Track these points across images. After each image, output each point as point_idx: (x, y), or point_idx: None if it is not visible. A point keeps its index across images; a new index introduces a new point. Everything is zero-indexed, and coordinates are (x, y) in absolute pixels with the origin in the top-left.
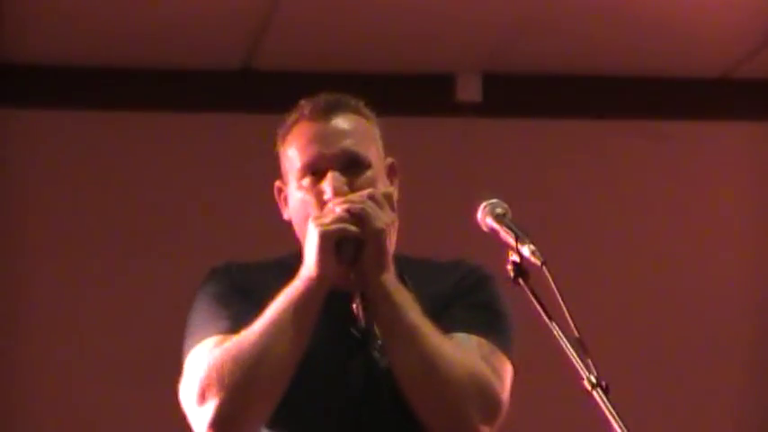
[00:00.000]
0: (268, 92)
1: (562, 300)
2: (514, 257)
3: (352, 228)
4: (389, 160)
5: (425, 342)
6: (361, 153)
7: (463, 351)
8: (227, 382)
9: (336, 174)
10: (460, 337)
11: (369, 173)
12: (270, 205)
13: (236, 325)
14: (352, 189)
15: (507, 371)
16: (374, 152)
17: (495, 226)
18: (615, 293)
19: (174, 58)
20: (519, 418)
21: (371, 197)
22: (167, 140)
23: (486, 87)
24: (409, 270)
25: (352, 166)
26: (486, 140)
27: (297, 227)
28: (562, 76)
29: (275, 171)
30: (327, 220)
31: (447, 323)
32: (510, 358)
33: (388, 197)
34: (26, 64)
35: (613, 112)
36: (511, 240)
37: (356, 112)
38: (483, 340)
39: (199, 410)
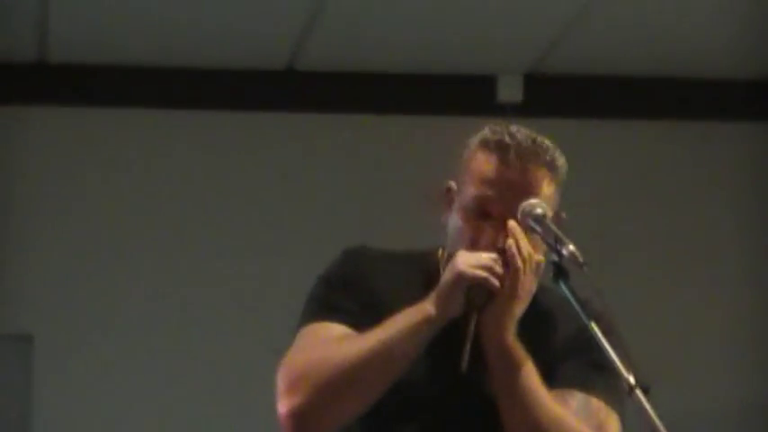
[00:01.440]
0: (311, 92)
1: (603, 300)
2: (554, 258)
3: (492, 279)
4: (563, 215)
5: (539, 410)
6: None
7: (576, 421)
8: (322, 385)
9: (497, 228)
10: (579, 398)
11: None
12: (310, 202)
13: (352, 320)
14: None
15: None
16: (551, 205)
17: (535, 226)
18: (653, 291)
19: (220, 57)
20: None
21: (524, 259)
22: (212, 139)
23: (526, 88)
24: (545, 301)
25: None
26: None
27: (448, 239)
28: (603, 77)
29: (317, 170)
30: (473, 260)
31: (567, 376)
32: (622, 415)
33: (539, 265)
34: (65, 63)
35: (653, 113)
36: (551, 241)
37: (549, 166)
38: (601, 404)
39: (286, 394)
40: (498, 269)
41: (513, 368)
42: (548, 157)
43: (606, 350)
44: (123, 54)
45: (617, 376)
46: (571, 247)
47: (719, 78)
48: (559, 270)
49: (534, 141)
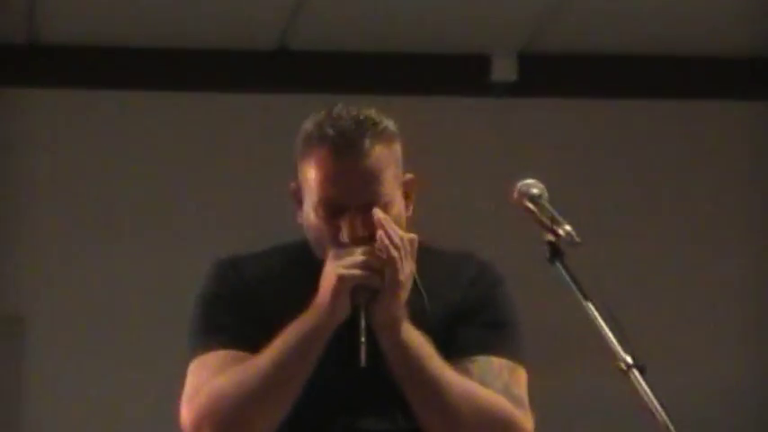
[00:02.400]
0: (303, 71)
1: (598, 280)
2: (550, 238)
3: (372, 277)
4: (408, 177)
5: (446, 392)
6: (380, 197)
7: (484, 392)
8: (227, 420)
9: (356, 219)
10: (480, 362)
11: (389, 213)
12: None
13: (240, 339)
14: (370, 231)
15: (525, 385)
16: (392, 183)
17: (531, 206)
18: (648, 271)
19: (210, 38)
20: (555, 400)
21: (397, 246)
22: (202, 120)
23: (521, 67)
24: (423, 264)
25: (370, 209)
26: (520, 120)
27: (309, 239)
28: (597, 56)
29: None
30: (349, 262)
31: (465, 343)
32: (524, 364)
33: (411, 243)
34: (56, 44)
35: (648, 92)
36: (547, 221)
37: (379, 138)
38: (503, 361)
39: None
40: (375, 263)
41: (412, 357)
42: (378, 130)
43: (604, 330)
44: (113, 36)
45: (512, 327)
46: (567, 226)
47: (717, 56)
48: (555, 250)
49: (358, 121)
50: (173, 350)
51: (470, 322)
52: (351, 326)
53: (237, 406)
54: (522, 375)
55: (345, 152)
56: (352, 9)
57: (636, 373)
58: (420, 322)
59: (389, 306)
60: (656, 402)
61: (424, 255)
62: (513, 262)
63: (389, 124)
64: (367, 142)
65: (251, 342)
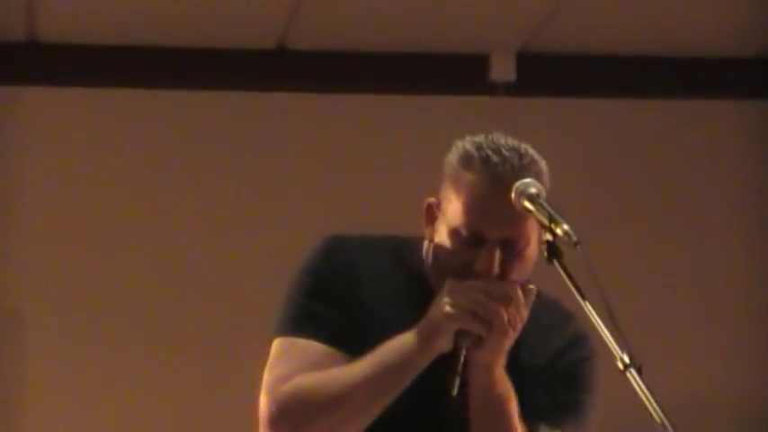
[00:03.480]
0: (301, 71)
1: (596, 279)
2: (548, 237)
3: (478, 325)
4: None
5: None
6: (523, 236)
7: None
8: (308, 421)
9: (494, 253)
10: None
11: (525, 253)
12: (300, 182)
13: (336, 335)
14: (504, 269)
15: None
16: (536, 224)
17: (529, 206)
18: (647, 271)
19: (209, 36)
20: None
21: (514, 298)
22: (202, 119)
23: (519, 67)
24: (532, 313)
25: (510, 248)
26: (519, 120)
27: (433, 258)
28: (596, 56)
29: (308, 150)
30: (461, 305)
31: (539, 407)
32: None
33: (529, 294)
34: (55, 43)
35: (647, 91)
36: (545, 220)
37: (537, 176)
38: None
39: (270, 426)
40: (485, 311)
41: (495, 408)
42: (535, 170)
43: (602, 330)
44: (113, 34)
45: (586, 408)
46: (565, 226)
47: (716, 56)
48: (553, 250)
49: (520, 155)
50: (171, 345)
51: (550, 389)
52: (444, 358)
53: (321, 412)
54: None
55: (506, 183)
56: (350, 9)
57: (633, 372)
58: (510, 371)
59: (490, 353)
60: (653, 402)
61: (534, 303)
62: None
63: (544, 164)
64: (529, 175)
65: (345, 341)
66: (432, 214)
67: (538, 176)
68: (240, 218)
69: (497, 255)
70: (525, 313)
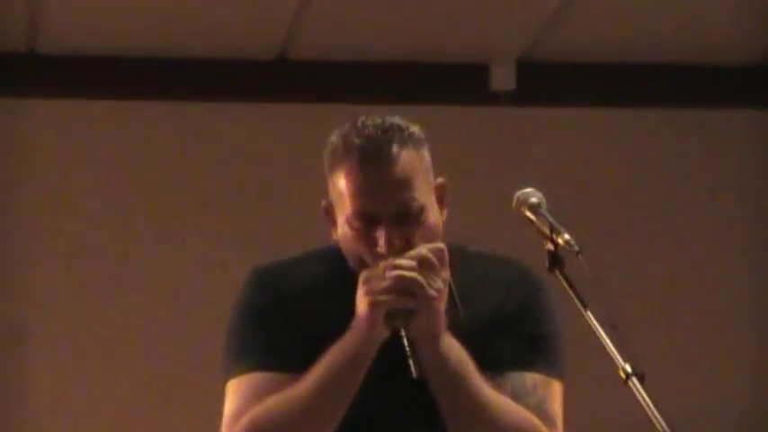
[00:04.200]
0: (302, 81)
1: (598, 288)
2: (550, 246)
3: (402, 300)
4: (439, 181)
5: (480, 413)
6: (414, 204)
7: (517, 412)
8: None
9: (390, 228)
10: (514, 378)
11: (423, 219)
12: (301, 193)
13: (280, 360)
14: (407, 240)
15: (560, 400)
16: (425, 188)
17: (530, 215)
18: (647, 280)
19: (210, 47)
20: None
21: (423, 261)
22: (203, 130)
23: (519, 76)
24: (459, 270)
25: (405, 217)
26: (519, 129)
27: (347, 255)
28: (596, 65)
29: (308, 160)
30: (378, 288)
31: (499, 356)
32: (562, 377)
33: (440, 254)
34: (55, 54)
35: (648, 100)
36: (546, 230)
37: (407, 143)
38: (536, 377)
39: None
40: (404, 284)
41: (451, 371)
42: (404, 137)
43: (604, 338)
44: (114, 45)
45: (548, 339)
46: (566, 235)
47: (716, 65)
48: (555, 259)
49: (383, 129)
50: (174, 356)
51: (506, 334)
52: (392, 341)
53: None
54: (556, 390)
55: (374, 160)
56: (351, 19)
57: (635, 381)
58: (456, 331)
59: (426, 322)
60: (655, 411)
61: (461, 260)
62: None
63: (416, 130)
64: (395, 148)
65: (291, 361)
66: (329, 215)
67: (407, 144)
68: (239, 227)
69: (395, 230)
70: (445, 273)
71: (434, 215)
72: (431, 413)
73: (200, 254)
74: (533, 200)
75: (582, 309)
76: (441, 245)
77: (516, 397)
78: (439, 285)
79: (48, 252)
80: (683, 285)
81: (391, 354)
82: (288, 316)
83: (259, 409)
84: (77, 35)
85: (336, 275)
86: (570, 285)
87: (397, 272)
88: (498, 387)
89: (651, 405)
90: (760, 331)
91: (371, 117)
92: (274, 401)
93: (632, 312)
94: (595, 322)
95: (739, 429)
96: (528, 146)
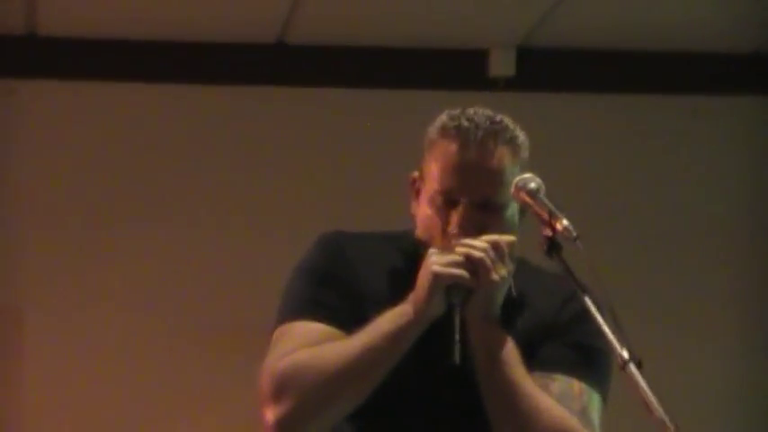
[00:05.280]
0: (301, 66)
1: (596, 275)
2: (548, 232)
3: (467, 276)
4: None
5: (523, 401)
6: (497, 198)
7: (560, 410)
8: (308, 393)
9: (468, 212)
10: (561, 382)
11: (501, 214)
12: (298, 178)
13: (334, 317)
14: (482, 228)
15: (600, 414)
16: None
17: (529, 201)
18: (645, 267)
19: (208, 31)
20: None
21: (494, 246)
22: (201, 113)
23: (519, 62)
24: (520, 276)
25: (486, 207)
26: (518, 115)
27: (420, 229)
28: (595, 51)
29: (307, 144)
30: (445, 260)
31: (549, 359)
32: (604, 394)
33: (509, 245)
34: (55, 36)
35: (646, 86)
36: (544, 215)
37: (509, 142)
38: (583, 386)
39: (272, 402)
40: (471, 264)
41: (498, 358)
42: (508, 136)
43: (599, 323)
44: (112, 27)
45: (599, 354)
46: (564, 221)
47: (714, 51)
48: (553, 244)
49: (493, 121)
50: (175, 344)
51: (559, 339)
52: (442, 328)
53: (320, 382)
54: (598, 404)
55: (475, 146)
56: (349, 4)
57: (633, 367)
58: (509, 329)
59: (483, 305)
60: (652, 397)
61: (522, 268)
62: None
63: (521, 135)
64: (497, 141)
65: (344, 322)
66: (415, 187)
67: (510, 143)
68: (239, 212)
69: (471, 214)
70: (510, 266)
71: (512, 213)
72: (472, 401)
73: (198, 238)
74: (532, 185)
75: (581, 295)
76: (513, 237)
77: (561, 400)
78: (503, 273)
79: (44, 234)
80: (682, 271)
81: (436, 338)
82: (350, 280)
83: (305, 352)
84: (75, 17)
85: (405, 253)
86: (568, 271)
87: (467, 249)
88: (544, 388)
89: (648, 391)
90: (757, 316)
91: (484, 108)
92: (320, 349)
93: (629, 298)
94: (593, 308)
95: (729, 418)
96: (527, 131)
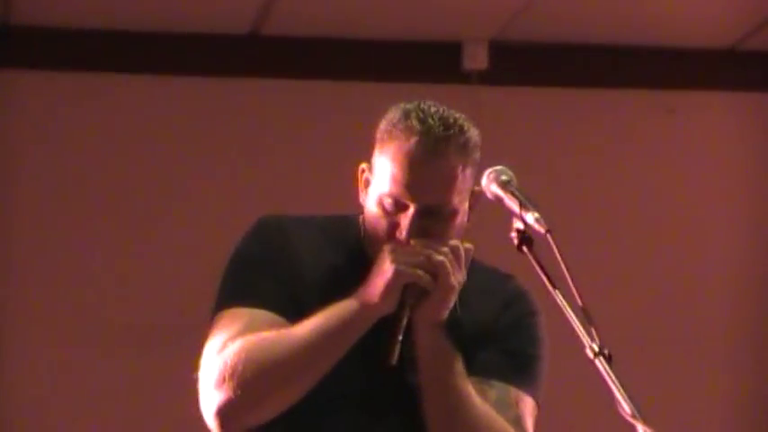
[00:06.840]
0: (274, 57)
1: (566, 268)
2: (519, 225)
3: (428, 278)
4: (477, 189)
5: (466, 409)
6: (447, 207)
7: (500, 422)
8: (251, 382)
9: (417, 218)
10: (498, 389)
11: (451, 221)
12: (275, 169)
13: (274, 303)
14: (428, 235)
15: (534, 421)
16: (464, 194)
17: (500, 193)
18: (619, 262)
19: (183, 22)
20: None
21: (454, 251)
22: (174, 104)
23: (492, 55)
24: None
25: (435, 214)
26: (491, 109)
27: (367, 224)
28: (568, 46)
29: (280, 135)
30: (407, 260)
31: (487, 365)
32: (538, 400)
33: (468, 252)
34: (30, 26)
35: (619, 82)
36: (515, 208)
37: (462, 147)
38: (519, 393)
39: (212, 392)
40: (431, 265)
41: (444, 364)
42: (461, 141)
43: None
44: (87, 18)
45: (535, 361)
46: (536, 214)
47: (690, 46)
48: (524, 237)
49: (446, 125)
50: (172, 341)
51: (497, 346)
52: (383, 324)
53: (264, 373)
54: (533, 411)
55: (427, 153)
56: None
57: (602, 360)
58: (451, 332)
59: (436, 308)
60: (622, 391)
61: (471, 270)
62: (484, 250)
63: (475, 135)
64: (449, 148)
65: (283, 308)
66: (364, 179)
67: (463, 148)
68: (213, 204)
69: (419, 222)
70: (464, 270)
71: (461, 220)
72: (409, 402)
73: (181, 232)
74: (504, 177)
75: (551, 288)
76: (469, 245)
77: (497, 407)
78: (460, 279)
79: (28, 226)
80: (667, 265)
81: (375, 336)
82: (289, 267)
83: (249, 341)
84: (49, 7)
85: (345, 241)
86: (539, 264)
87: (430, 251)
88: (481, 394)
89: (618, 384)
90: (747, 313)
91: (438, 105)
92: (267, 335)
93: (603, 293)
94: (564, 302)
95: (722, 413)
96: (499, 125)
